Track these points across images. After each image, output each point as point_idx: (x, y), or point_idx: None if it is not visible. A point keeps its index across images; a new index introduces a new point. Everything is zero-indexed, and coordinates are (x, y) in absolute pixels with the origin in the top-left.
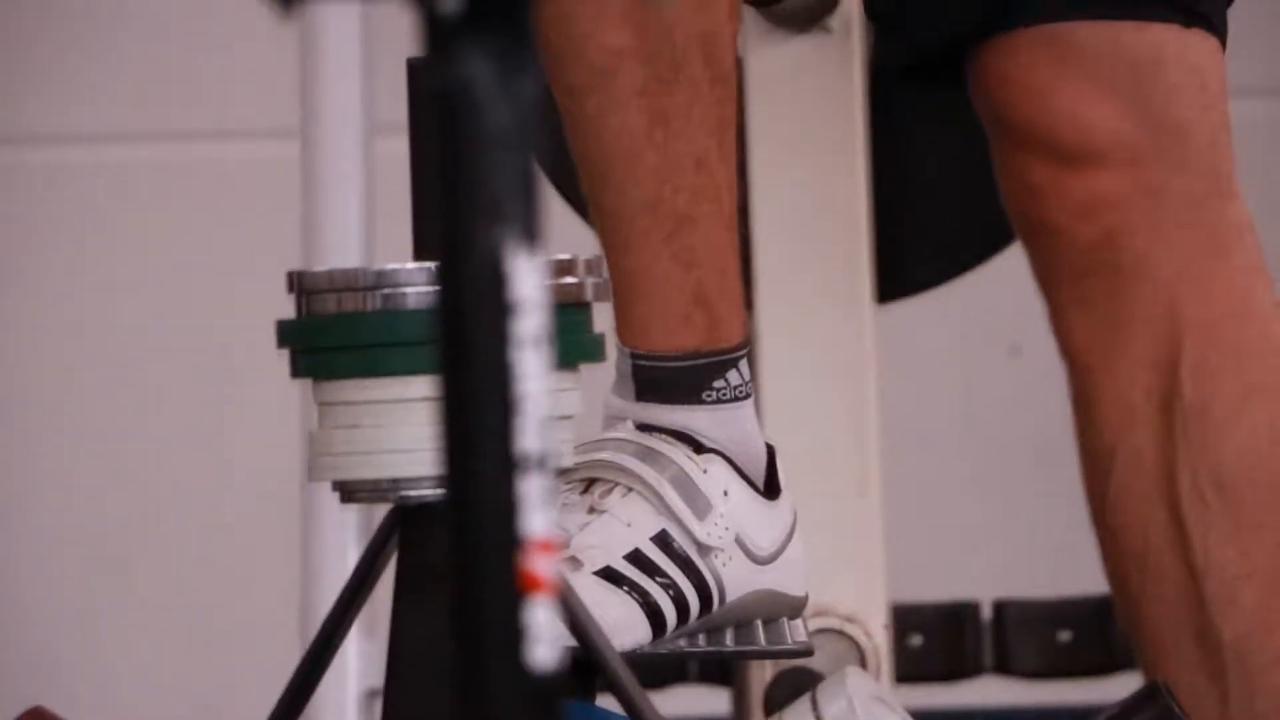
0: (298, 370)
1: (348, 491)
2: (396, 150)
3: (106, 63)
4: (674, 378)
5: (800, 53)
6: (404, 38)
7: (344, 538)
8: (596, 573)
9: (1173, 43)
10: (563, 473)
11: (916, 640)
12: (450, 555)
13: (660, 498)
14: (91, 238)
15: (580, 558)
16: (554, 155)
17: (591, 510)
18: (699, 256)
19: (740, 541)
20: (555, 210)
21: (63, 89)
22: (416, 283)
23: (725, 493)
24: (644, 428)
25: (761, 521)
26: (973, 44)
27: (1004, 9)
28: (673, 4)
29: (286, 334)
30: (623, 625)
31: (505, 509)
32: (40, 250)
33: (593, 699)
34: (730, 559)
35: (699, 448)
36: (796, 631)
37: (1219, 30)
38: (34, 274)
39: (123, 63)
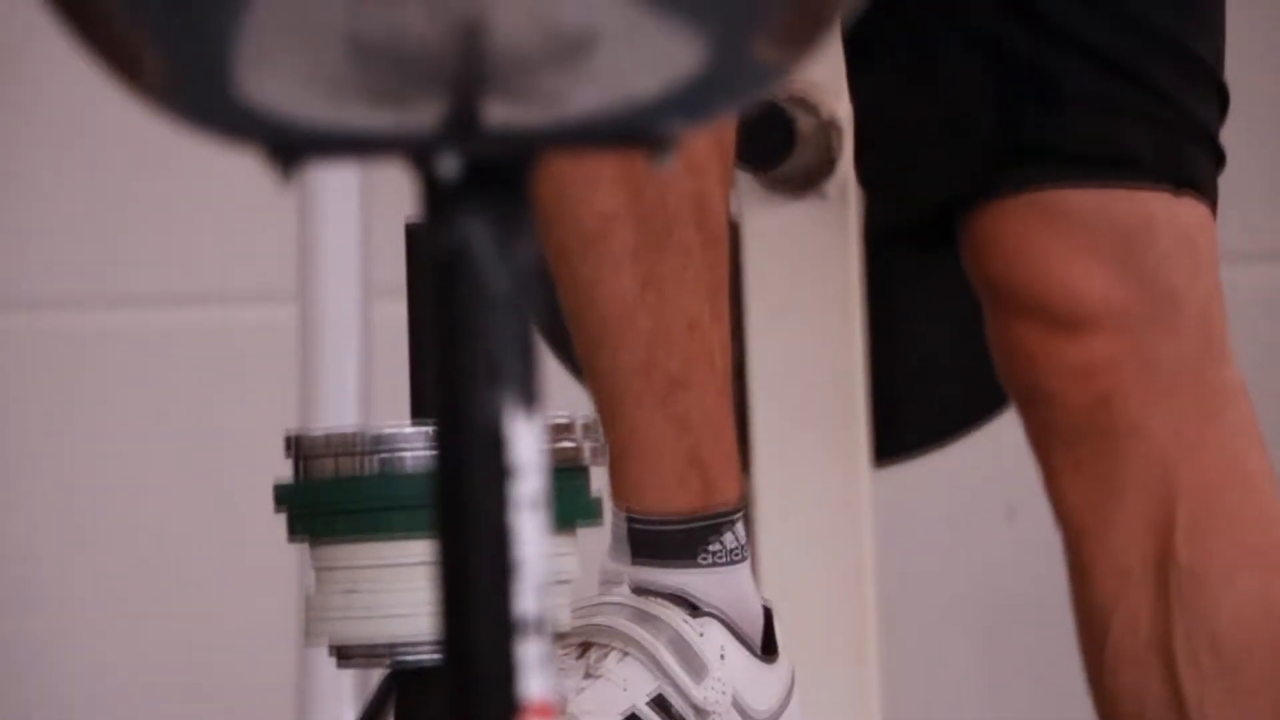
0: (295, 532)
1: (344, 654)
2: (394, 313)
3: (106, 227)
4: (669, 540)
5: (796, 217)
6: (402, 201)
7: (340, 701)
8: None
9: (1163, 209)
10: (559, 637)
11: None
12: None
13: (657, 661)
14: (86, 402)
15: None
16: (550, 316)
17: (588, 674)
18: (693, 419)
19: (738, 703)
20: (553, 371)
21: (62, 253)
22: (414, 445)
23: (722, 655)
24: (640, 590)
25: (759, 683)
26: (963, 210)
27: (993, 175)
28: (665, 166)
29: (284, 496)
30: None
31: (503, 673)
32: (35, 416)
33: None
34: None
35: (695, 610)
36: None
37: (1210, 196)
38: (28, 439)
39: (121, 226)
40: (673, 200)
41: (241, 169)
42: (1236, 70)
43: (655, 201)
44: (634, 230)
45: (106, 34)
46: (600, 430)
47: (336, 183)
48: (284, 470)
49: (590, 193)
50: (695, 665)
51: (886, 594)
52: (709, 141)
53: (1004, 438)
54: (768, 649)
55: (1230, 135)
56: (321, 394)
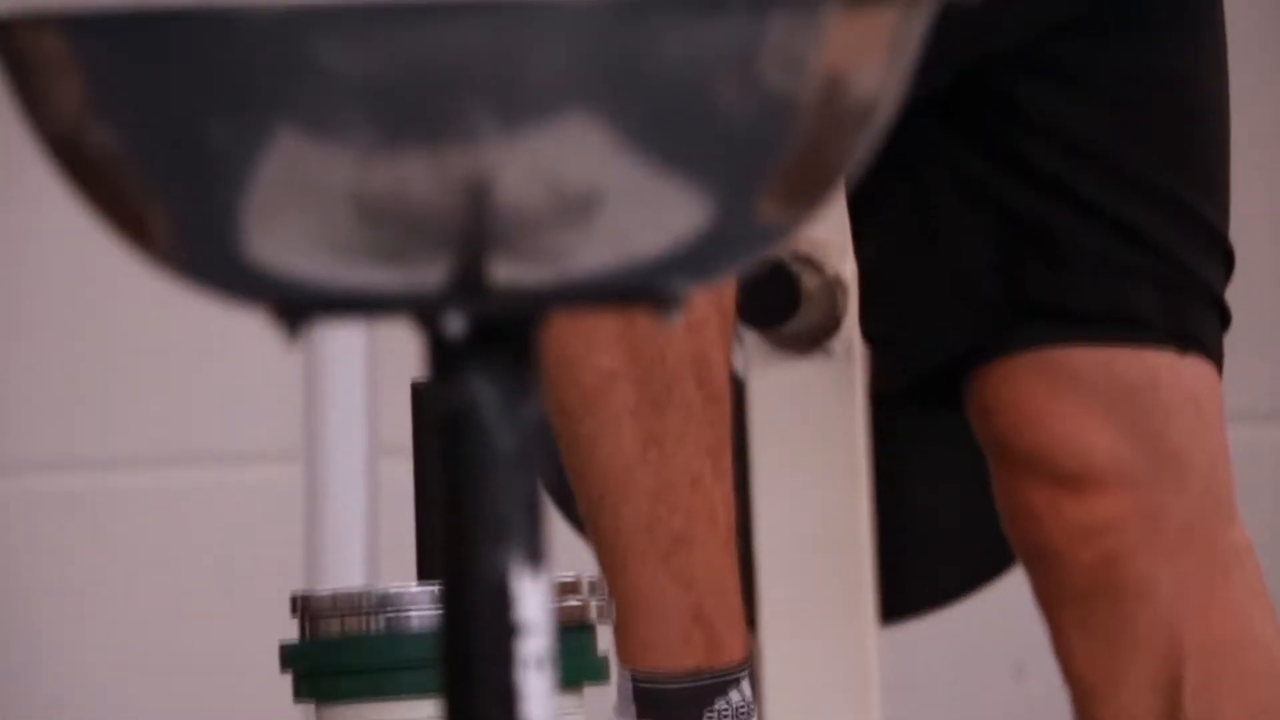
0: (301, 693)
1: None
2: (400, 472)
3: (108, 385)
4: (675, 698)
5: (802, 375)
6: (408, 359)
7: None
8: None
9: (1168, 368)
10: None
11: None
12: None
13: None
14: (89, 564)
15: None
16: (554, 473)
17: None
18: (697, 576)
19: None
20: (559, 529)
21: (64, 413)
22: (420, 605)
23: None
24: None
25: None
26: (968, 368)
27: (997, 334)
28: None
29: (290, 657)
30: None
31: None
32: (37, 579)
33: None
34: None
35: None
36: None
37: (1215, 356)
38: (32, 600)
39: (123, 385)
40: (672, 358)
41: (246, 327)
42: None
43: (655, 359)
44: (634, 388)
45: (112, 195)
46: (606, 588)
47: (342, 340)
48: (290, 630)
49: (590, 351)
50: None
51: None
52: (708, 299)
53: (1011, 595)
54: None
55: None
56: (327, 553)
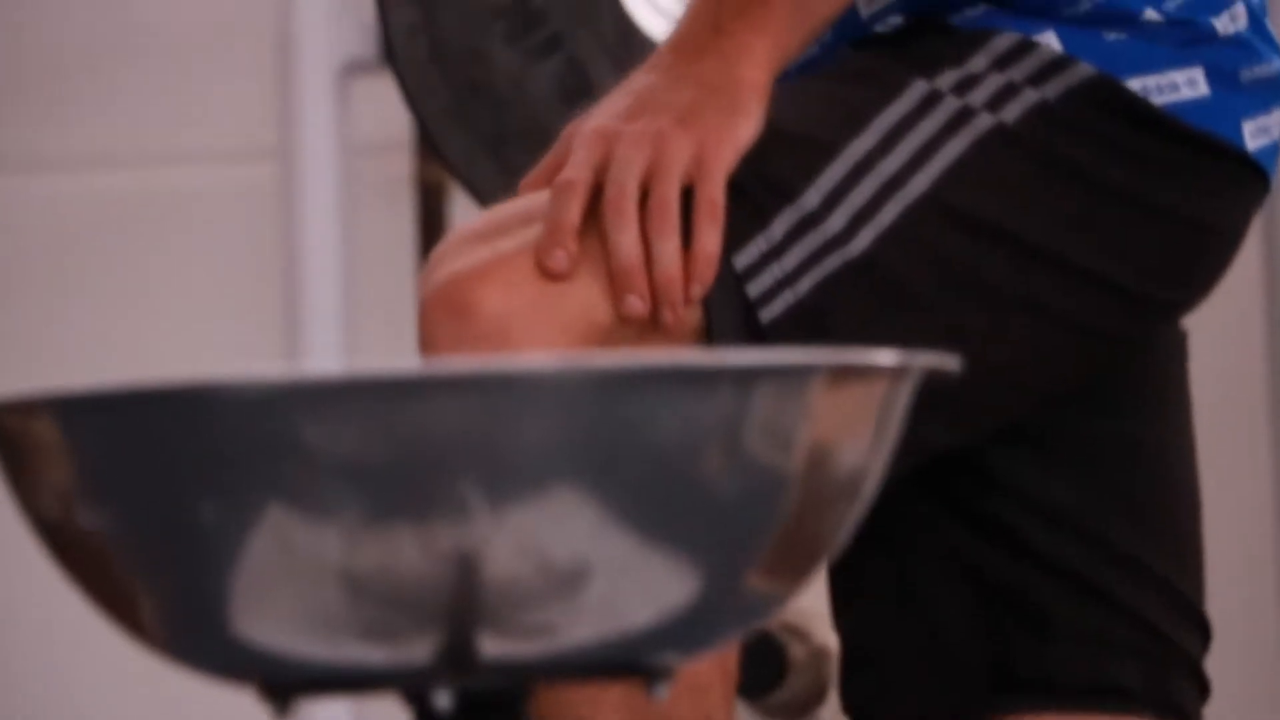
0: None
1: None
2: None
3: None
4: None
5: None
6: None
7: None
8: None
9: None
10: None
11: None
12: None
13: None
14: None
15: None
16: None
17: None
18: None
19: None
20: None
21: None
22: None
23: None
24: None
25: None
26: None
27: (979, 703)
28: (661, 696)
29: None
30: None
31: None
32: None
33: None
34: None
35: None
36: None
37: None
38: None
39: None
40: None
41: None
42: None
43: None
44: None
45: (100, 575)
46: None
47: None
48: None
49: (594, 713)
50: None
51: None
52: (712, 664)
53: None
54: None
55: None
56: None
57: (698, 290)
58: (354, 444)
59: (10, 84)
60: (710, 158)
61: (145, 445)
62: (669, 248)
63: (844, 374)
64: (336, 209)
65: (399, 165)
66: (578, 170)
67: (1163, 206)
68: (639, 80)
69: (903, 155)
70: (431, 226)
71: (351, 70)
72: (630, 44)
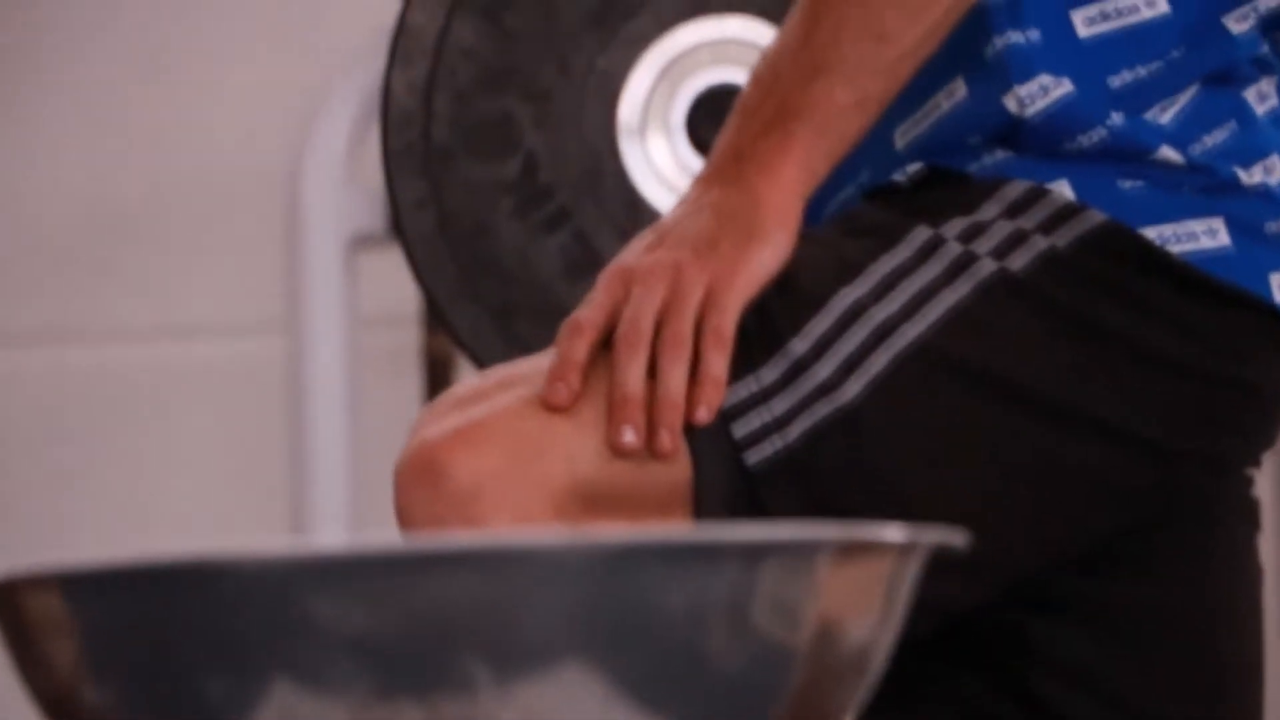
0: None
1: None
2: None
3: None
4: None
5: None
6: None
7: None
8: None
9: None
10: None
11: None
12: None
13: None
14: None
15: None
16: None
17: None
18: None
19: None
20: None
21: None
22: None
23: None
24: None
25: None
26: None
27: None
28: None
29: None
30: None
31: None
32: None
33: None
34: None
35: None
36: None
37: None
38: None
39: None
40: None
41: None
42: None
43: None
44: None
45: None
46: None
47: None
48: None
49: None
50: None
51: None
52: None
53: None
54: None
55: None
56: None
57: (703, 414)
58: (360, 619)
59: (16, 256)
60: (723, 289)
61: (151, 619)
62: (676, 373)
63: (851, 550)
64: (343, 381)
65: (406, 338)
66: (591, 310)
67: (1183, 357)
68: (670, 213)
69: (897, 303)
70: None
71: (359, 243)
72: (637, 218)
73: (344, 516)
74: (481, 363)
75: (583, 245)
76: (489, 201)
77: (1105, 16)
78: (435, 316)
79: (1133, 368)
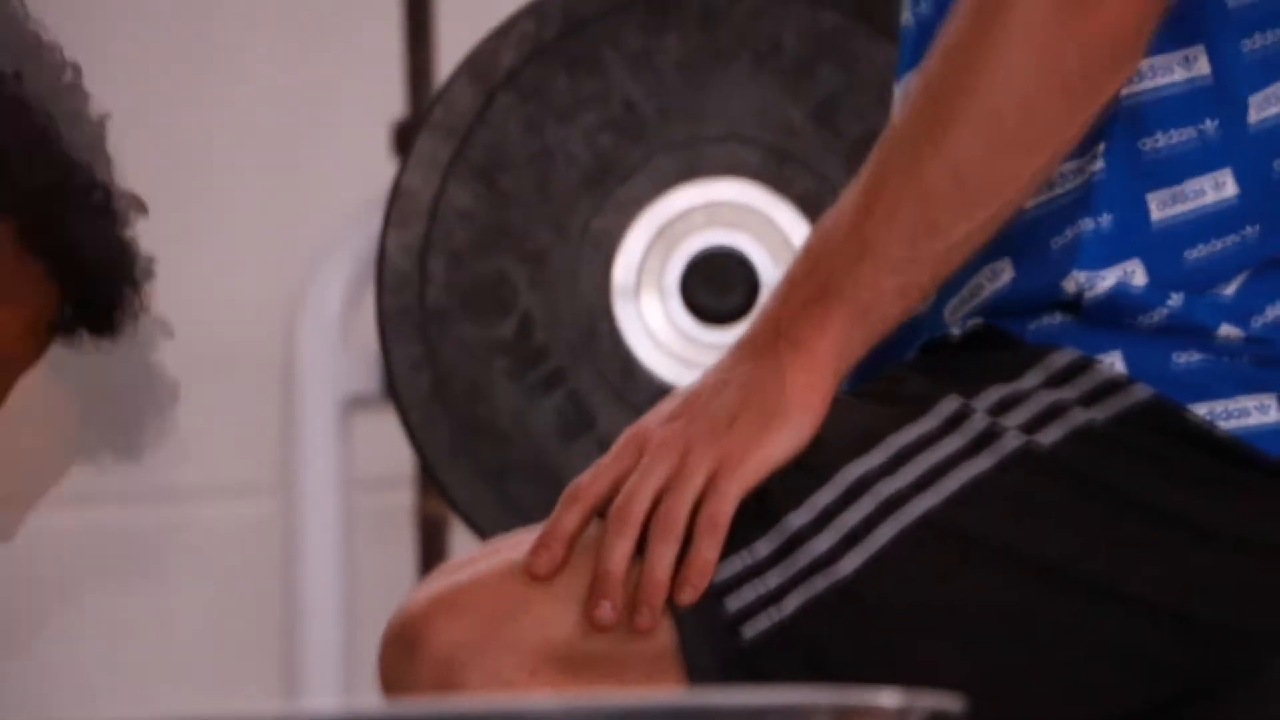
0: None
1: None
2: None
3: None
4: None
5: None
6: None
7: None
8: None
9: None
10: None
11: None
12: None
13: None
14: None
15: None
16: None
17: None
18: None
19: None
20: None
21: None
22: None
23: None
24: None
25: None
26: None
27: None
28: None
29: None
30: None
31: None
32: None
33: None
34: None
35: None
36: None
37: None
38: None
39: None
40: None
41: None
42: None
43: None
44: None
45: None
46: None
47: None
48: None
49: None
50: None
51: None
52: None
53: None
54: None
55: None
56: None
57: (687, 595)
58: None
59: None
60: (727, 473)
61: None
62: (663, 554)
63: (847, 715)
64: (337, 543)
65: (400, 499)
66: (595, 477)
67: (1230, 531)
68: (699, 379)
69: (909, 476)
70: (432, 561)
71: (353, 405)
72: (632, 380)
73: (336, 680)
74: (475, 525)
75: (577, 407)
76: (484, 362)
77: (1177, 199)
78: (429, 477)
79: (1174, 539)
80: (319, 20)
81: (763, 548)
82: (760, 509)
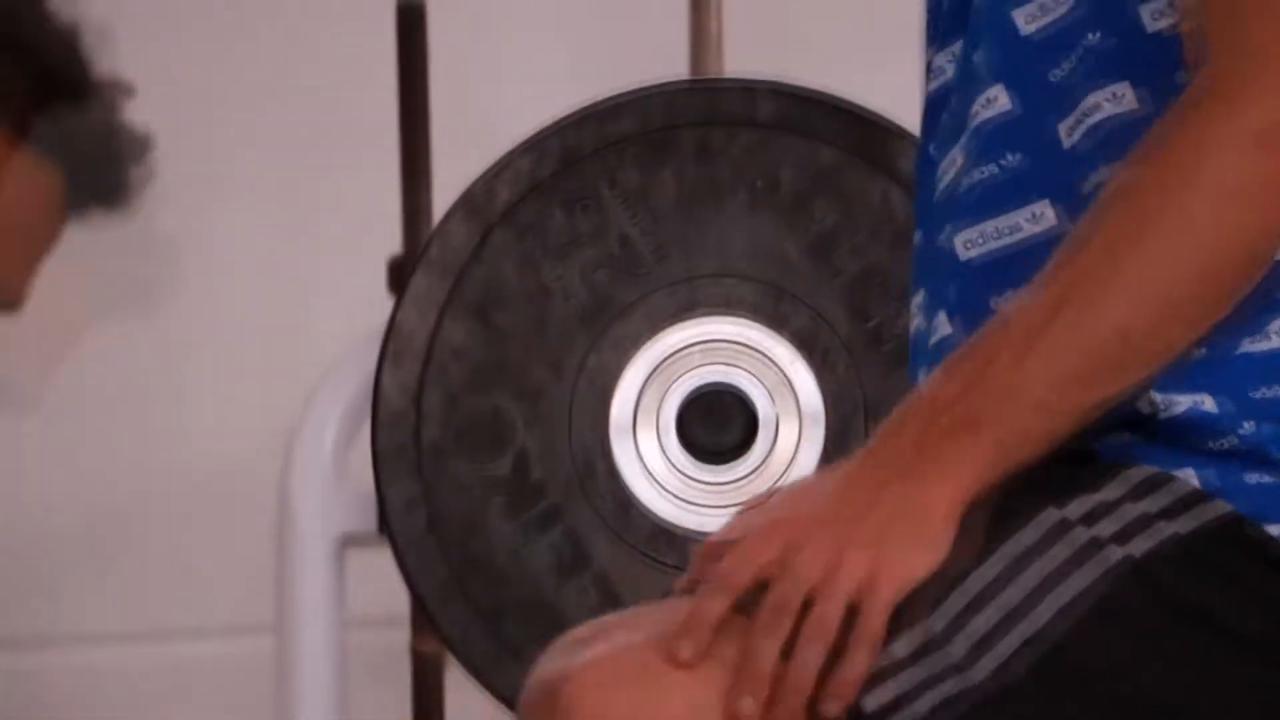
0: None
1: None
2: None
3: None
4: None
5: None
6: None
7: None
8: None
9: None
10: None
11: None
12: None
13: None
14: None
15: None
16: None
17: None
18: None
19: None
20: None
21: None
22: None
23: None
24: None
25: None
26: None
27: None
28: None
29: None
30: None
31: None
32: None
33: None
34: None
35: None
36: None
37: None
38: None
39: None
40: None
41: None
42: None
43: None
44: None
45: None
46: None
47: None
48: None
49: None
50: None
51: None
52: None
53: None
54: None
55: None
56: None
57: (832, 708)
58: None
59: (10, 560)
60: (882, 587)
61: None
62: (812, 658)
63: None
64: (332, 682)
65: (395, 638)
66: (741, 563)
67: None
68: (829, 480)
69: (1026, 585)
70: (427, 700)
71: (348, 543)
72: (629, 518)
73: None
74: (470, 664)
75: (574, 545)
76: (480, 500)
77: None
78: (424, 616)
79: (1255, 668)
80: (317, 156)
81: (901, 648)
82: (900, 611)
